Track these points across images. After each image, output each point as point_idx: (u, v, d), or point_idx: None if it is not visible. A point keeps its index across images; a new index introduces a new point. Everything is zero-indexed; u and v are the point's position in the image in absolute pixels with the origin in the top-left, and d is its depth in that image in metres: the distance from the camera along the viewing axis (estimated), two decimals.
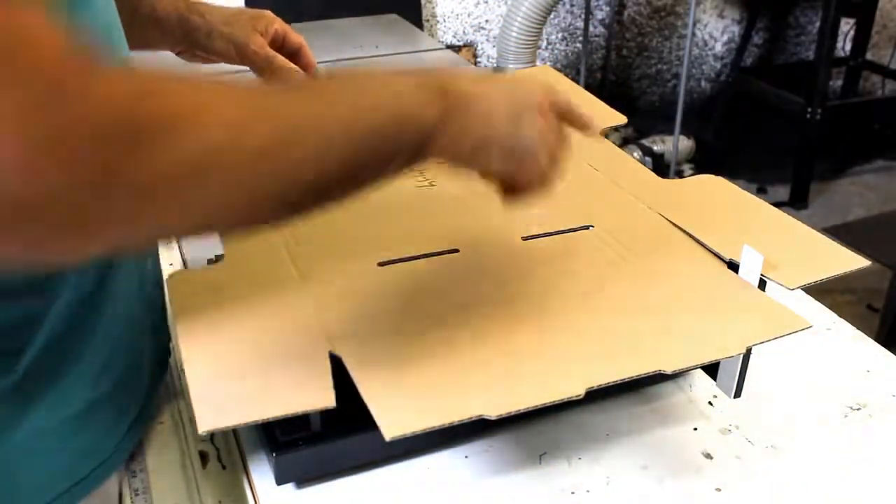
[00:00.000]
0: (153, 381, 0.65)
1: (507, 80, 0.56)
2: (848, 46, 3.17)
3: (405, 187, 0.77)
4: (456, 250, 0.67)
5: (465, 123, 0.50)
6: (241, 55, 0.84)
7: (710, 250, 0.65)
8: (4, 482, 0.53)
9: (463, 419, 0.49)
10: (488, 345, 0.55)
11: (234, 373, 0.52)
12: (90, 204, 0.33)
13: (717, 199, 0.74)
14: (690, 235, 0.68)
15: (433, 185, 0.78)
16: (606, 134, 1.00)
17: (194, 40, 0.82)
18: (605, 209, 0.73)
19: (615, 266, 0.65)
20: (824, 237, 0.65)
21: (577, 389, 0.50)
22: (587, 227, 0.70)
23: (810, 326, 0.56)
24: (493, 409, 0.49)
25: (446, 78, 0.50)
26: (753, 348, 0.59)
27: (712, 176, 0.76)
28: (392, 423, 0.48)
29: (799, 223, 0.68)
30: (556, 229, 0.69)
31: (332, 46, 1.58)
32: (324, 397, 0.50)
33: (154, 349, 0.65)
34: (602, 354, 0.54)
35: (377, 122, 0.45)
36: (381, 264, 0.65)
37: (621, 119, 0.92)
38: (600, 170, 0.81)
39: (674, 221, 0.70)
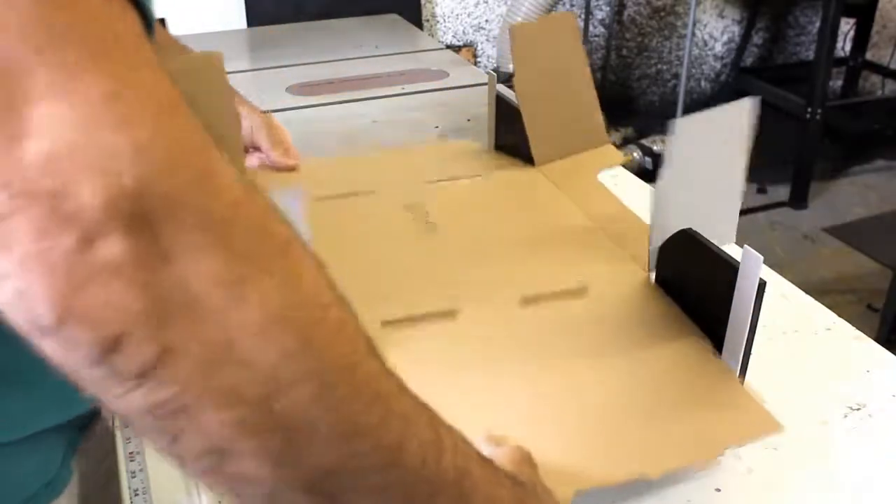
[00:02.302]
0: None
1: None
2: (848, 46, 3.17)
3: (406, 231, 0.81)
4: (454, 312, 0.68)
5: None
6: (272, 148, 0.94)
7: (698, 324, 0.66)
8: None
9: None
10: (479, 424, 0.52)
11: None
12: None
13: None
14: (682, 306, 0.68)
15: (432, 223, 0.80)
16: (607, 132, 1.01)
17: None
18: (601, 272, 0.74)
19: (603, 342, 0.65)
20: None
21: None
22: (584, 289, 0.71)
23: (782, 430, 0.57)
24: None
25: None
26: (755, 344, 0.60)
27: None
28: None
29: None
30: (555, 289, 0.71)
31: (332, 46, 1.58)
32: None
33: None
34: (587, 456, 0.55)
35: None
36: (385, 324, 0.66)
37: (618, 159, 0.97)
38: (600, 224, 0.83)
39: (667, 292, 0.70)
